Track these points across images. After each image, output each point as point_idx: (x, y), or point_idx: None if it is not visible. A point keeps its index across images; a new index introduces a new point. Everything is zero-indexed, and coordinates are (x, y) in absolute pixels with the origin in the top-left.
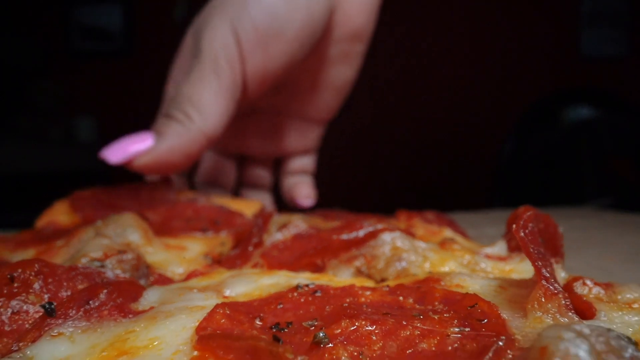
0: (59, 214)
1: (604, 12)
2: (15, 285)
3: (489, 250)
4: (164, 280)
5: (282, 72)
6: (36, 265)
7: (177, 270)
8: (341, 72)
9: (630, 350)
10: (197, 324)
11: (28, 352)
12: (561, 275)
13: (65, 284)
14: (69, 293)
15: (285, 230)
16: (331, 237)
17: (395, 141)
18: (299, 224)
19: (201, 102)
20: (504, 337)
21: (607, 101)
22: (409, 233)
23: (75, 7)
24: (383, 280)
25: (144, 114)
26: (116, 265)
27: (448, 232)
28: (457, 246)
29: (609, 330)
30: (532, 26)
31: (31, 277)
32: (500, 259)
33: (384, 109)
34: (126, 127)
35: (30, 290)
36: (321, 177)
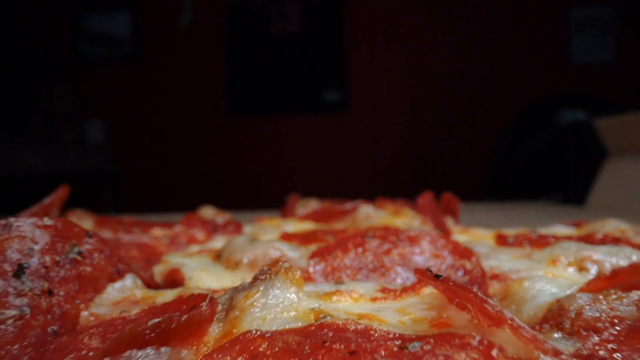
0: None
1: (592, 21)
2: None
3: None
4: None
5: None
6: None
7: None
8: None
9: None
10: (278, 236)
11: (212, 245)
12: (451, 225)
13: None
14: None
15: (306, 207)
16: (332, 209)
17: (398, 141)
18: (314, 205)
19: None
20: None
21: (595, 105)
22: (379, 208)
23: (84, 14)
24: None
25: (151, 117)
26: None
27: (406, 210)
28: (405, 213)
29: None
30: (525, 35)
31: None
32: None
33: (387, 112)
34: (134, 129)
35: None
36: (335, 174)
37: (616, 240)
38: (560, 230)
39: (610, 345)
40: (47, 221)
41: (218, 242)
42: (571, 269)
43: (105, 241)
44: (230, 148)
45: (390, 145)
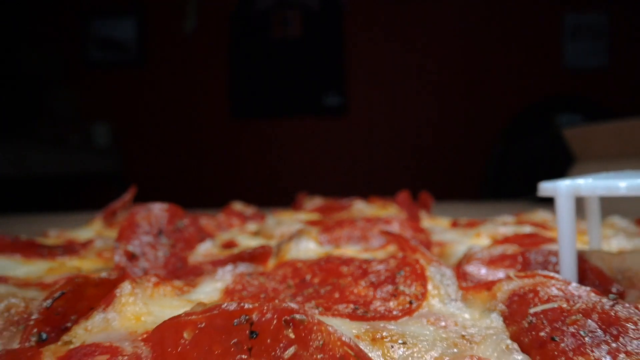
0: None
1: (586, 26)
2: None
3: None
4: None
5: None
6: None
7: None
8: None
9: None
10: (297, 222)
11: (247, 228)
12: (424, 215)
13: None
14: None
15: (312, 203)
16: (333, 204)
17: (396, 144)
18: (318, 201)
19: None
20: None
21: (591, 108)
22: (370, 203)
23: (91, 20)
24: None
25: (155, 120)
26: (246, 210)
27: (391, 205)
28: (390, 207)
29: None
30: (521, 41)
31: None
32: None
33: (386, 117)
34: (139, 133)
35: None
36: (336, 174)
37: (537, 225)
38: (504, 219)
39: (476, 267)
40: (165, 206)
41: (251, 227)
42: (487, 240)
43: (195, 218)
44: (233, 150)
45: (388, 148)
